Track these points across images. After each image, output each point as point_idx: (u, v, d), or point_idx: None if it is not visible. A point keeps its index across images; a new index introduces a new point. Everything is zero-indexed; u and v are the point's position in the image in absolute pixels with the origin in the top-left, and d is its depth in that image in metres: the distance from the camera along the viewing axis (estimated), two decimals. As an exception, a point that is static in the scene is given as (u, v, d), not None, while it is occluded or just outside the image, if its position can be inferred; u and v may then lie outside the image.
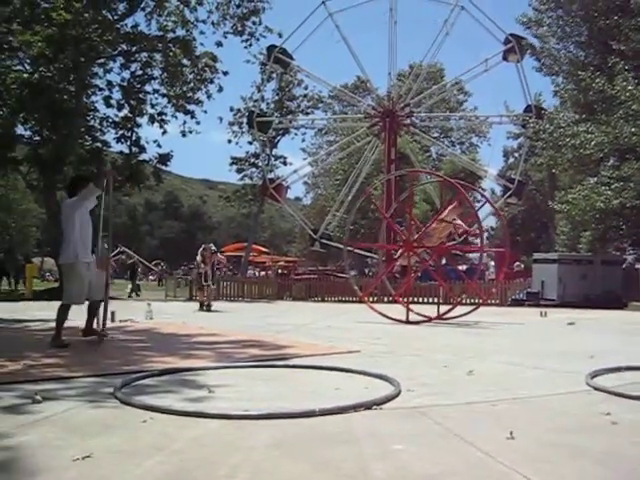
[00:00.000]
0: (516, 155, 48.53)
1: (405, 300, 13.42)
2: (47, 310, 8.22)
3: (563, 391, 4.69)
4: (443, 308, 13.53)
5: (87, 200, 7.78)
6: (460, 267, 35.02)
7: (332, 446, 3.13)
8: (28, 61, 24.60)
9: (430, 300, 21.51)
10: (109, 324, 9.69)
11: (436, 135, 49.23)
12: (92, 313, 7.93)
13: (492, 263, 39.17)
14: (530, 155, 37.55)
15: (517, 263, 31.38)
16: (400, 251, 14.55)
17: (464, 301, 21.02)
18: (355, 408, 3.88)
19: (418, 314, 13.03)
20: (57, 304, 7.68)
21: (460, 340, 8.97)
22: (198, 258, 16.90)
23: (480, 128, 50.32)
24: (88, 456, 2.88)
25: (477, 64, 32.25)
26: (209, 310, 15.79)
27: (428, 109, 38.39)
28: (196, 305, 16.73)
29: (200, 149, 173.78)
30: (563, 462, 2.94)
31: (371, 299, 15.98)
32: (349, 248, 17.05)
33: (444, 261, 36.33)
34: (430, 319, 12.94)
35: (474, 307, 14.17)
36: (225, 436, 3.33)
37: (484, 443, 3.16)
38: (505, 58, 31.02)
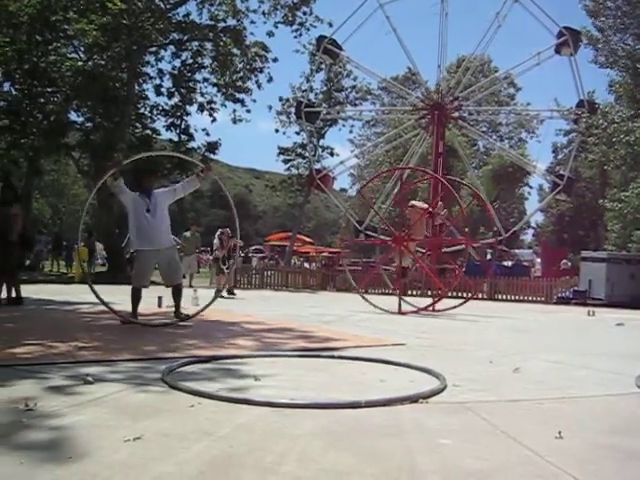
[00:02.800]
0: (566, 151, 47.70)
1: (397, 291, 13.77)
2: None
3: (612, 392, 4.60)
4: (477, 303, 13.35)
5: (186, 191, 8.48)
6: (506, 263, 34.72)
7: (378, 438, 3.13)
8: (82, 49, 25.11)
9: (475, 295, 21.29)
10: (156, 309, 9.89)
11: (484, 129, 48.65)
12: (177, 296, 8.51)
13: (538, 260, 38.66)
14: (581, 151, 36.90)
15: (564, 261, 30.86)
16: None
17: (509, 297, 20.86)
18: (401, 401, 3.88)
19: (411, 305, 13.48)
20: (105, 288, 7.93)
21: (505, 337, 8.87)
22: (216, 242, 17.00)
23: (530, 123, 49.54)
24: (139, 437, 2.93)
25: (528, 57, 31.76)
26: (232, 294, 15.79)
27: (477, 103, 37.96)
28: (242, 292, 16.82)
29: (247, 138, 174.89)
30: (613, 465, 2.88)
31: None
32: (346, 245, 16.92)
33: (489, 257, 36.07)
34: (418, 310, 13.26)
35: (463, 301, 14.47)
36: (271, 424, 3.35)
37: (532, 441, 3.13)
38: (558, 51, 30.45)
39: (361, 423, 3.41)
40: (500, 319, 12.29)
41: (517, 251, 43.57)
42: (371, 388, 4.37)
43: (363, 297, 13.65)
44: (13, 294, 10.55)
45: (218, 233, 17.09)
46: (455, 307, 13.59)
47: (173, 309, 8.65)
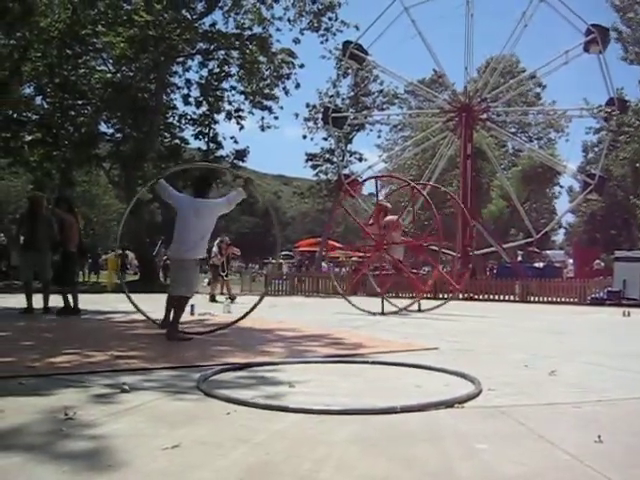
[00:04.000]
0: (596, 150, 47.16)
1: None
2: (127, 302, 8.48)
3: (651, 395, 4.54)
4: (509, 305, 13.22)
5: (234, 203, 8.29)
6: (537, 264, 34.39)
7: (415, 444, 3.13)
8: (111, 61, 25.47)
9: (506, 297, 21.13)
10: (188, 317, 9.97)
11: (513, 130, 48.28)
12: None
13: (570, 261, 38.22)
14: (612, 149, 36.43)
15: (597, 261, 30.47)
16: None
17: (541, 299, 20.63)
18: (436, 406, 3.86)
19: (394, 305, 13.91)
20: (137, 297, 7.94)
21: (539, 339, 8.78)
22: (214, 249, 17.11)
23: (558, 123, 49.05)
24: (176, 445, 2.96)
25: (556, 56, 31.48)
26: (233, 301, 15.78)
27: (505, 103, 37.70)
28: (272, 300, 16.85)
29: (275, 144, 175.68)
30: (654, 468, 2.85)
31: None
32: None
33: (520, 258, 35.69)
34: (400, 310, 13.64)
35: (445, 301, 14.78)
36: (307, 430, 3.36)
37: (570, 445, 3.10)
38: (586, 50, 30.14)
39: (397, 429, 3.41)
40: (533, 321, 12.18)
41: (549, 252, 43.15)
42: (406, 393, 4.36)
43: (347, 299, 14.13)
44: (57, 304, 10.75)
45: (217, 241, 17.25)
46: (437, 307, 13.98)
47: (205, 317, 8.70)
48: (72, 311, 10.60)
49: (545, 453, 3.03)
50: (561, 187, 51.75)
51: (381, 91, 37.08)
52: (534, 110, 46.25)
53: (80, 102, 25.14)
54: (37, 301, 10.71)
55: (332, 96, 34.81)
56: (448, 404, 3.92)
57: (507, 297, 21.19)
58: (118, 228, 11.65)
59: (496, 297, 21.14)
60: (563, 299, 20.64)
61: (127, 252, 31.40)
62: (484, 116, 33.27)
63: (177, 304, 7.68)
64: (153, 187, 8.39)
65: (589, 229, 54.58)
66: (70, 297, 10.73)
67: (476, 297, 21.17)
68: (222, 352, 6.35)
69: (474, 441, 3.17)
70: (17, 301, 11.81)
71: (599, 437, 3.19)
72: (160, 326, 7.98)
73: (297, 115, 36.81)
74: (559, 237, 61.63)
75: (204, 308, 11.75)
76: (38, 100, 25.68)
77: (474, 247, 32.68)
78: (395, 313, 13.39)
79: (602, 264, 29.70)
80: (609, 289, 20.39)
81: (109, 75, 24.45)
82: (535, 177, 44.51)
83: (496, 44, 48.70)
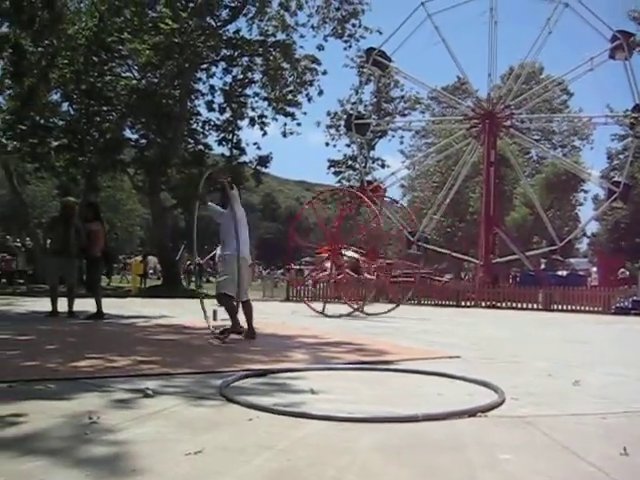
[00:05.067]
0: (621, 157, 46.65)
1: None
2: (150, 307, 8.55)
3: (679, 406, 4.46)
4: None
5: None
6: (560, 273, 34.08)
7: (438, 453, 3.11)
8: (136, 68, 25.74)
9: (529, 306, 20.96)
10: (212, 323, 9.99)
11: (537, 137, 47.97)
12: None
13: (594, 269, 37.82)
14: (637, 157, 36.03)
15: (622, 270, 30.15)
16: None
17: (565, 307, 20.43)
18: (459, 415, 3.84)
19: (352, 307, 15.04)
20: (160, 301, 7.96)
21: (563, 348, 8.70)
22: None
23: (583, 130, 48.65)
24: (199, 451, 2.97)
25: (581, 63, 31.28)
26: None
27: (529, 110, 37.46)
28: (294, 305, 16.88)
29: (297, 151, 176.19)
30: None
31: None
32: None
33: (543, 266, 35.40)
34: (354, 310, 14.84)
35: (394, 306, 15.28)
36: (330, 437, 3.35)
37: (595, 458, 3.05)
38: (612, 56, 29.90)
39: (420, 437, 3.39)
40: (557, 330, 12.07)
41: (572, 260, 42.75)
42: (428, 401, 4.34)
43: (307, 304, 15.27)
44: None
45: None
46: (387, 312, 14.55)
47: (227, 322, 8.68)
48: (96, 315, 10.70)
49: (570, 465, 2.99)
50: (586, 192, 51.21)
51: (403, 97, 37.03)
52: (558, 117, 45.92)
53: (105, 108, 25.41)
54: (62, 305, 10.83)
55: (354, 103, 34.85)
56: (471, 413, 3.89)
57: (530, 305, 21.02)
58: (141, 232, 11.72)
59: (519, 305, 20.98)
60: (587, 308, 20.43)
61: (149, 257, 31.59)
62: (508, 123, 33.11)
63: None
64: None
65: (614, 237, 53.92)
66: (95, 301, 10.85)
67: (498, 305, 21.02)
68: (244, 358, 6.37)
69: (498, 451, 3.14)
70: (42, 305, 11.94)
71: (624, 449, 3.14)
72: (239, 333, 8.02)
73: (319, 124, 36.89)
74: (583, 245, 60.98)
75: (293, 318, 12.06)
76: (64, 106, 26.05)
77: (496, 254, 32.58)
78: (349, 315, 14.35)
79: (627, 273, 29.39)
80: (634, 298, 20.17)
81: (134, 82, 24.68)
82: (559, 184, 44.20)
83: (520, 50, 48.53)
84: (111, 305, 14.33)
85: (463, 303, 21.63)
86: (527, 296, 21.57)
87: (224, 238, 8.22)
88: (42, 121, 24.49)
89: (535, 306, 20.98)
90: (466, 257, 35.38)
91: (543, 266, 35.82)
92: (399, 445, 3.23)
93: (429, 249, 33.73)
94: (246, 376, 5.10)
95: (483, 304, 20.99)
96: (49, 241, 11.26)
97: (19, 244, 30.93)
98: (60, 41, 21.19)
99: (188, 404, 4.13)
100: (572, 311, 20.26)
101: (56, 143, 24.46)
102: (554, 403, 4.46)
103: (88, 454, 2.95)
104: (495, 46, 32.12)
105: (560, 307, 20.71)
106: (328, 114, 36.64)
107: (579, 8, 30.14)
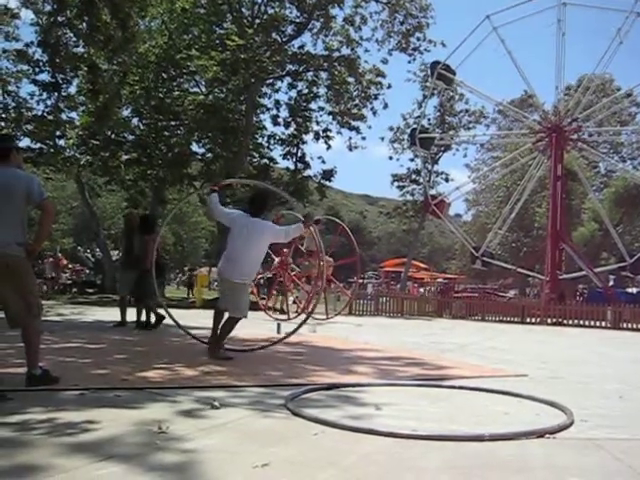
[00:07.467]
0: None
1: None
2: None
3: None
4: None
5: (290, 237, 7.90)
6: (630, 290, 33.08)
7: (506, 474, 3.06)
8: (203, 84, 26.28)
9: (597, 324, 20.36)
10: (275, 335, 10.06)
11: (605, 150, 46.82)
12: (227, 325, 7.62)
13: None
14: None
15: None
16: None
17: (635, 326, 19.76)
18: (527, 435, 3.77)
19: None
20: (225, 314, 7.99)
21: (634, 370, 8.41)
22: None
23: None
24: (266, 464, 3.01)
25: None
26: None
27: (597, 123, 36.59)
28: (358, 319, 16.79)
29: (361, 164, 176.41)
30: None
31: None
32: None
33: (612, 283, 34.41)
34: (327, 318, 15.74)
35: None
36: (395, 455, 3.35)
37: (670, 484, 2.97)
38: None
39: (486, 457, 3.35)
40: (627, 350, 11.70)
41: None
42: (494, 420, 4.28)
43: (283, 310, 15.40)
44: (141, 317, 11.13)
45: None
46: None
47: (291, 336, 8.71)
48: (147, 325, 10.90)
49: (643, 490, 2.91)
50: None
51: (467, 110, 36.64)
52: (628, 130, 44.68)
53: (173, 123, 26.03)
54: (130, 316, 11.10)
55: (418, 117, 34.65)
56: (539, 434, 3.83)
57: (598, 323, 20.41)
58: (206, 245, 11.92)
59: (586, 323, 20.41)
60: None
61: (213, 269, 32.08)
62: (575, 136, 32.39)
63: (230, 324, 7.37)
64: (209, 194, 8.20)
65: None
66: (144, 311, 11.06)
67: (565, 322, 20.50)
68: (308, 371, 6.41)
69: (567, 474, 3.08)
70: (111, 314, 12.26)
71: (702, 476, 3.05)
72: (207, 342, 7.63)
73: (382, 139, 36.86)
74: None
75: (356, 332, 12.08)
76: (135, 121, 26.78)
77: (563, 271, 31.82)
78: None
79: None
80: None
81: (201, 97, 25.17)
82: (629, 199, 42.96)
83: (589, 62, 47.53)
84: (177, 316, 14.57)
85: (528, 320, 21.18)
86: (595, 314, 20.94)
87: (226, 246, 7.61)
88: (113, 136, 25.26)
89: (603, 324, 20.36)
90: (532, 273, 34.65)
91: (612, 283, 34.80)
92: (466, 465, 3.20)
93: (494, 264, 33.22)
94: (311, 390, 5.13)
95: (549, 321, 20.50)
96: (120, 253, 11.65)
97: (89, 254, 31.86)
98: (132, 59, 21.83)
99: (254, 416, 4.18)
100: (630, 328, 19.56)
101: (126, 157, 25.20)
102: (627, 426, 4.34)
103: (159, 462, 3.03)
104: (563, 58, 31.56)
105: (630, 326, 20.02)
106: (391, 129, 36.54)
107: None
